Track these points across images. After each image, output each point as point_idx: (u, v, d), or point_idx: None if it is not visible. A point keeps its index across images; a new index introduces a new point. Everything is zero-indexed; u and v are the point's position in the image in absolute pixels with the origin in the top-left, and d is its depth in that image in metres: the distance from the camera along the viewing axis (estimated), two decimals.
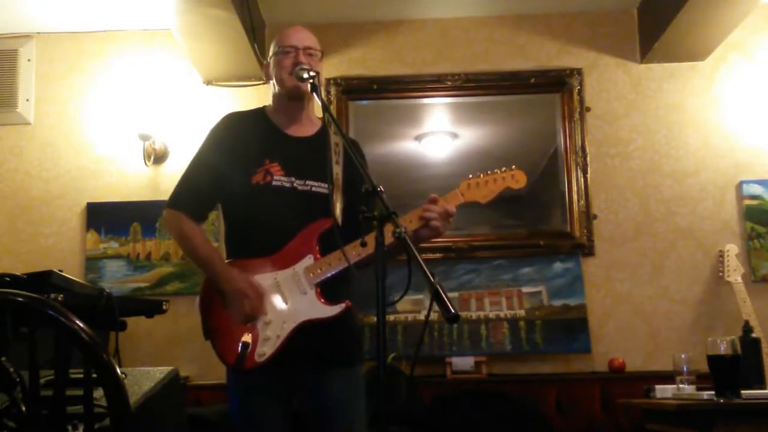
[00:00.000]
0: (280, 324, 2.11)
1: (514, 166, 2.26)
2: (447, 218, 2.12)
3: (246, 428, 2.16)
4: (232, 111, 2.39)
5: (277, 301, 2.13)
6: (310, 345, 2.12)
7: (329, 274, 2.13)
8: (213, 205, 2.33)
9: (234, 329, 2.11)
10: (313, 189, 2.23)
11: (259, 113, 2.36)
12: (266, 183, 2.20)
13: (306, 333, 2.11)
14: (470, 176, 2.22)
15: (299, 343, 2.11)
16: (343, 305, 2.13)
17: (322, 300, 2.13)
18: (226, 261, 2.23)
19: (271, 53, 2.34)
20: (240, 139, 2.27)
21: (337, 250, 2.09)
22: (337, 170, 2.23)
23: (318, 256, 2.15)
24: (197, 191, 2.26)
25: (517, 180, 2.24)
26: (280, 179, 2.21)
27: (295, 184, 2.22)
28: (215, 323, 2.15)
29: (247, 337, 2.09)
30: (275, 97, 2.34)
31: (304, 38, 2.29)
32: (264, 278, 2.15)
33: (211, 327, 2.16)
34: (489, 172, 2.23)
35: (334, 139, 2.26)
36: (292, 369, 2.13)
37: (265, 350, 2.09)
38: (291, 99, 2.28)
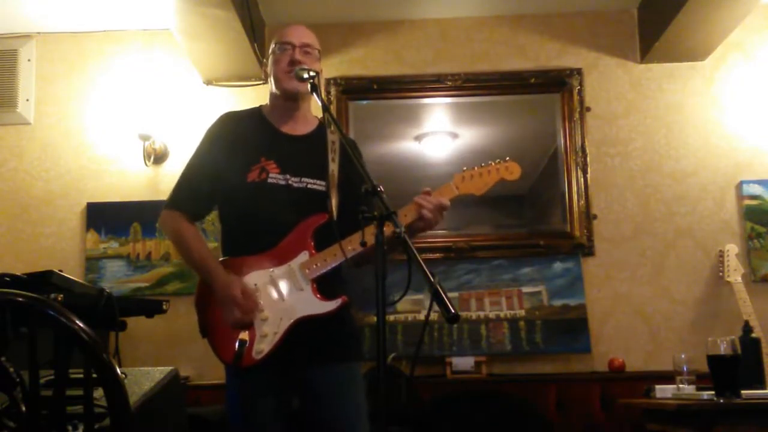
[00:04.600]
0: (277, 321, 2.11)
1: (508, 158, 2.27)
2: (440, 211, 2.13)
3: (244, 425, 2.16)
4: (228, 111, 2.40)
5: (274, 298, 2.13)
6: (308, 341, 2.12)
7: (325, 270, 2.13)
8: (211, 205, 2.33)
9: (231, 327, 2.11)
10: (309, 186, 2.24)
11: (255, 112, 2.37)
12: (261, 180, 2.21)
13: (303, 329, 2.11)
14: (464, 169, 2.23)
15: (297, 340, 2.11)
16: (339, 301, 2.13)
17: (319, 296, 2.13)
18: (222, 258, 2.23)
19: (269, 52, 2.34)
20: (236, 138, 2.27)
21: (333, 245, 2.10)
22: (333, 167, 2.23)
23: (313, 251, 2.16)
24: (195, 192, 2.27)
25: (511, 171, 2.26)
26: (275, 177, 2.22)
27: (290, 182, 2.22)
28: (212, 321, 2.15)
29: (244, 335, 2.09)
30: (272, 95, 2.35)
31: (301, 35, 2.29)
32: (260, 275, 2.15)
33: (208, 325, 2.16)
34: (483, 164, 2.24)
35: (331, 137, 2.26)
36: (290, 365, 2.13)
37: (262, 347, 2.09)
38: (287, 99, 2.29)
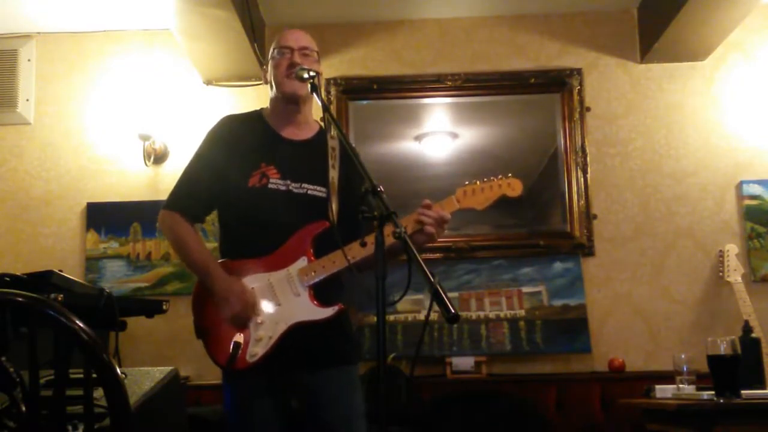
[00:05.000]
0: (272, 325, 2.11)
1: (510, 174, 2.27)
2: (441, 224, 2.12)
3: (241, 427, 2.16)
4: (230, 113, 2.40)
5: (270, 302, 2.13)
6: (303, 346, 2.13)
7: (323, 277, 2.13)
8: (210, 207, 2.33)
9: (226, 329, 2.11)
10: (309, 192, 2.24)
11: (256, 116, 2.37)
12: (262, 186, 2.21)
13: (299, 334, 2.11)
14: (466, 183, 2.23)
15: (292, 345, 2.11)
16: (336, 308, 2.13)
17: (316, 302, 2.13)
18: (221, 260, 2.23)
19: (269, 57, 2.35)
20: (237, 142, 2.27)
21: (332, 252, 2.11)
22: (333, 174, 2.23)
23: (312, 258, 2.16)
24: (194, 193, 2.27)
25: (513, 188, 2.26)
26: (275, 182, 2.22)
27: (290, 187, 2.22)
28: (207, 323, 2.15)
29: (238, 338, 2.09)
30: (272, 100, 2.35)
31: (299, 38, 2.30)
32: (257, 279, 2.15)
33: (204, 326, 2.16)
34: (485, 179, 2.24)
35: (331, 143, 2.26)
36: (285, 370, 2.13)
37: (257, 351, 2.09)
38: (288, 103, 2.29)
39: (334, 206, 2.19)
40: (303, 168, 2.25)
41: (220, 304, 2.12)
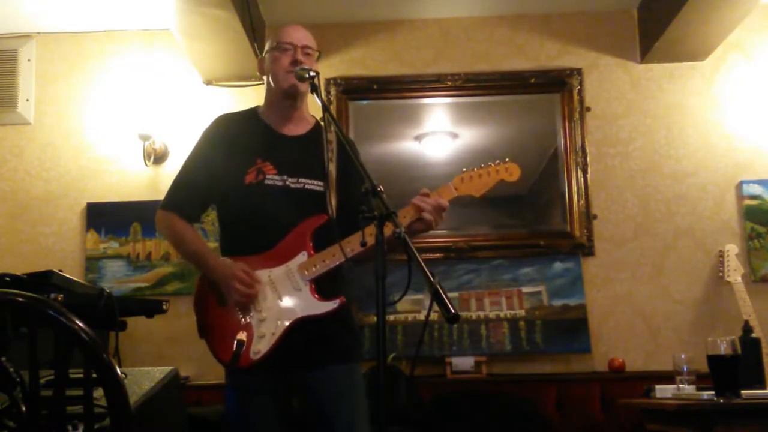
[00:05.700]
0: (275, 321, 2.11)
1: (507, 159, 2.27)
2: (439, 212, 2.13)
3: (242, 426, 2.16)
4: (224, 113, 2.40)
5: (272, 298, 2.13)
6: (307, 342, 2.13)
7: (323, 271, 2.13)
8: (207, 206, 2.34)
9: (229, 327, 2.11)
10: (306, 187, 2.24)
11: (251, 113, 2.37)
12: (259, 182, 2.21)
13: (302, 330, 2.11)
14: (464, 170, 2.23)
15: (295, 340, 2.11)
16: (338, 301, 2.13)
17: (317, 296, 2.13)
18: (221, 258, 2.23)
19: (267, 49, 2.34)
20: (232, 140, 2.28)
21: (331, 246, 2.11)
22: (331, 167, 2.23)
23: (312, 252, 2.16)
24: (190, 193, 2.28)
25: (511, 172, 2.26)
26: (272, 178, 2.22)
27: (287, 183, 2.23)
28: (210, 321, 2.15)
29: (242, 335, 2.09)
30: (268, 94, 2.35)
31: (302, 37, 2.29)
32: (258, 275, 2.15)
33: (206, 325, 2.16)
34: (482, 165, 2.25)
35: (328, 136, 2.26)
36: (289, 366, 2.13)
37: (260, 348, 2.09)
38: (285, 98, 2.29)
39: (333, 200, 2.19)
40: (300, 163, 2.25)
41: (225, 293, 2.11)
